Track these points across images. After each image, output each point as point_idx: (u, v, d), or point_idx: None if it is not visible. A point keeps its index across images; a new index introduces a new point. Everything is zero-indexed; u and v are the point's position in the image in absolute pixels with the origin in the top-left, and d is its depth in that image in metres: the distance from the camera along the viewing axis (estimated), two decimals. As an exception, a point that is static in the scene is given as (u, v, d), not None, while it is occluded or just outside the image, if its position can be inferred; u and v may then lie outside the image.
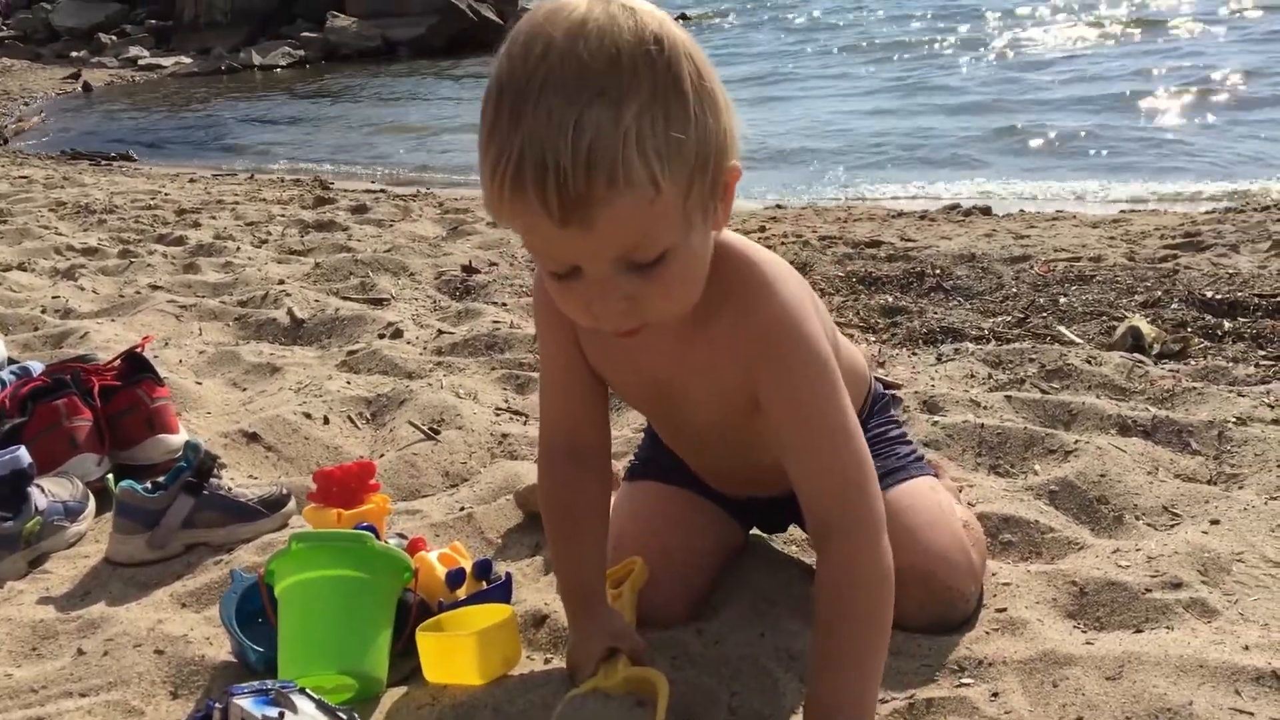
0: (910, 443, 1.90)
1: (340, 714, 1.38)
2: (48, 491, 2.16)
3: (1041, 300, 4.05)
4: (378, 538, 1.71)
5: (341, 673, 1.56)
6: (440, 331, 3.69)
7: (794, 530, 2.03)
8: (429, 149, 12.03)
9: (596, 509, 1.70)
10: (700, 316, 1.43)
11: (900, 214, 6.90)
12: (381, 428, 2.76)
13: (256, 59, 22.35)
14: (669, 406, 1.66)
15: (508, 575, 1.81)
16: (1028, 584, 1.82)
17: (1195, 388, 2.74)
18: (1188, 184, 7.84)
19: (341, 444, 2.67)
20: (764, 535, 2.02)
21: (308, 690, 1.42)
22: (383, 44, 23.39)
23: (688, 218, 1.29)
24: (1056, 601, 1.78)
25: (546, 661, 1.71)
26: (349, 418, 2.82)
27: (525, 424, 2.75)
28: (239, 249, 5.58)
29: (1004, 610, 1.74)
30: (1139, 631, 1.66)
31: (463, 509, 2.25)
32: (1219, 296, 3.91)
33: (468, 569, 1.77)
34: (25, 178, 9.09)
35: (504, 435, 2.63)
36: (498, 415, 2.80)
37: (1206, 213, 6.40)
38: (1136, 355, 3.09)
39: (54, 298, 4.36)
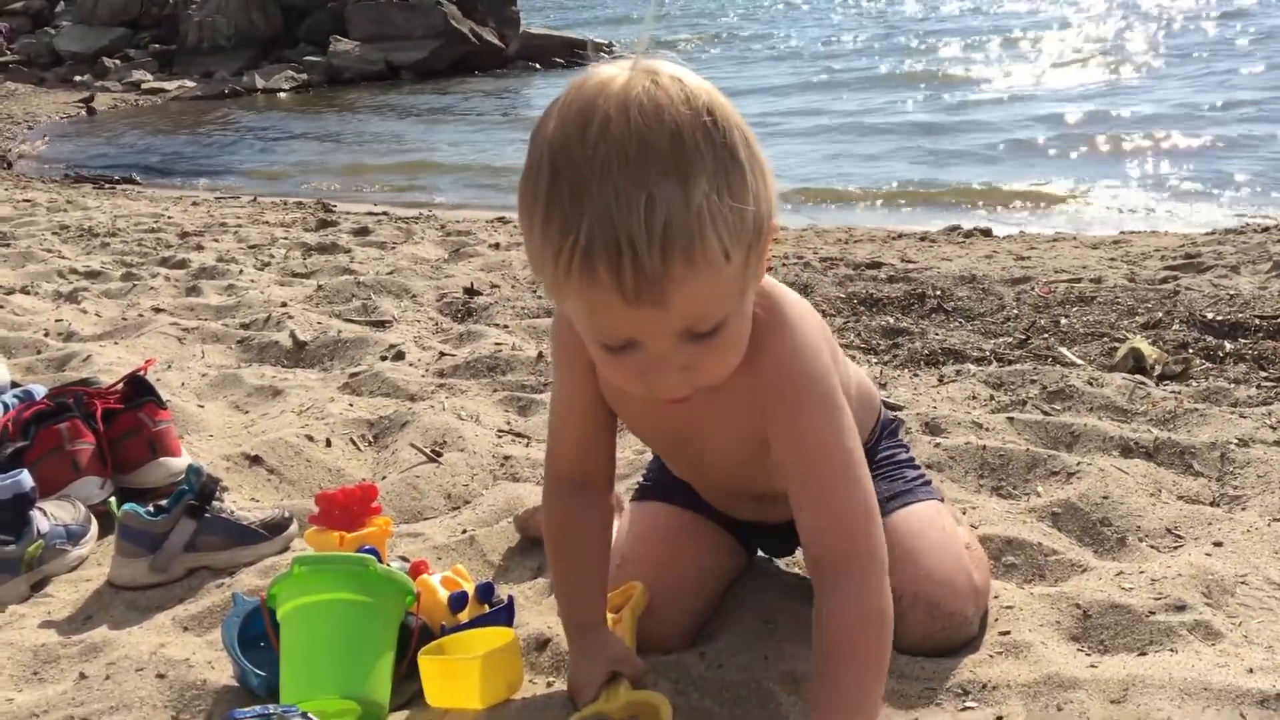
0: (918, 467, 1.91)
1: (342, 738, 1.38)
2: (50, 515, 2.16)
3: (1043, 321, 4.05)
4: (380, 561, 1.71)
5: (344, 698, 1.55)
6: (442, 354, 3.70)
7: (798, 553, 2.03)
8: (432, 172, 12.08)
9: (598, 537, 1.71)
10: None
11: (900, 235, 6.92)
12: (384, 450, 2.76)
13: (260, 82, 22.45)
14: (685, 449, 1.67)
15: (510, 599, 1.81)
16: (1031, 607, 1.81)
17: (1197, 409, 2.74)
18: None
19: (343, 466, 2.67)
20: (766, 557, 2.02)
21: (310, 715, 1.42)
22: (385, 67, 23.49)
23: (745, 285, 1.30)
24: (1060, 624, 1.77)
25: (549, 685, 1.70)
26: (351, 440, 2.82)
27: (527, 446, 2.75)
28: (241, 271, 5.60)
29: (1007, 633, 1.73)
30: (1143, 654, 1.66)
31: (465, 531, 2.25)
32: (1220, 318, 3.92)
33: (470, 592, 1.77)
34: (29, 201, 9.12)
35: (506, 457, 2.63)
36: (500, 437, 2.80)
37: (1207, 234, 6.42)
38: (1138, 377, 3.10)
39: (57, 321, 4.37)
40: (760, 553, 2.00)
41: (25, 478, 2.09)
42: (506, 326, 4.15)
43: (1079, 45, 19.20)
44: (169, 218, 8.15)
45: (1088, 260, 5.66)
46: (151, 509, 2.10)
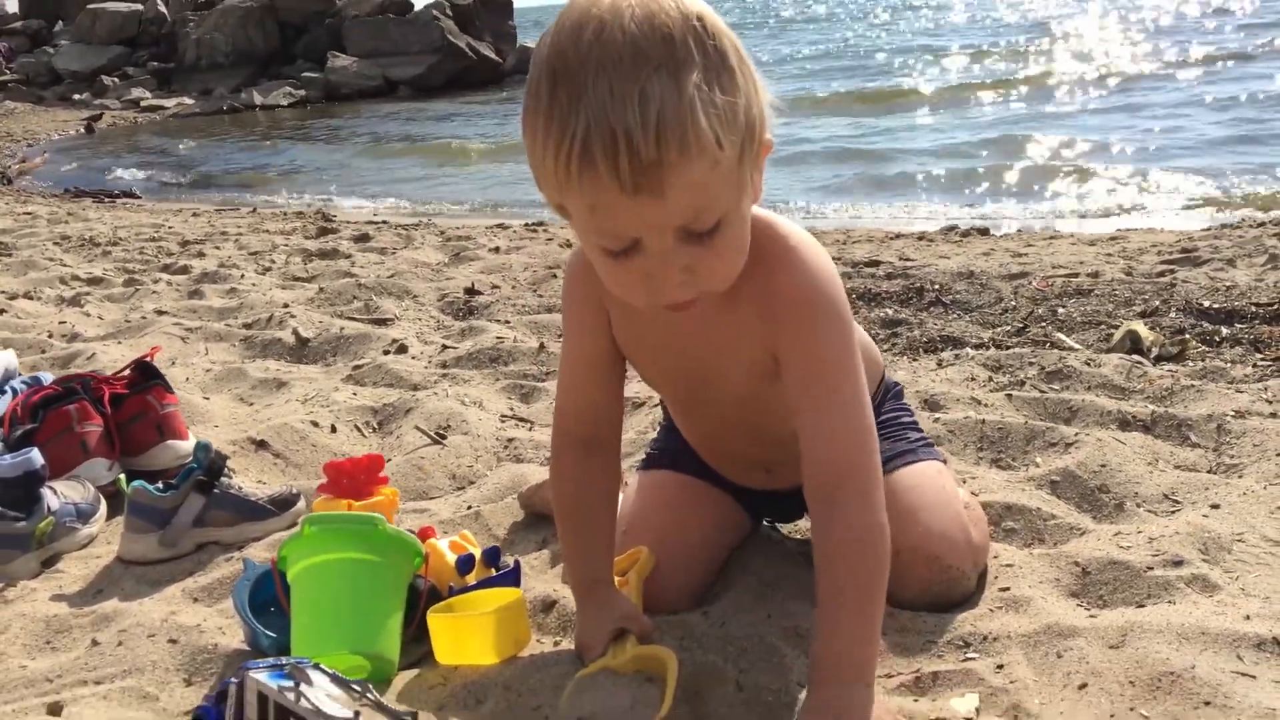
0: (920, 429, 1.94)
1: (354, 686, 1.40)
2: (60, 493, 2.18)
3: (1040, 312, 4.08)
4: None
5: (354, 654, 1.58)
6: (445, 346, 3.73)
7: (804, 522, 2.05)
8: (431, 181, 12.14)
9: (606, 497, 1.74)
10: (732, 289, 1.46)
11: (899, 235, 6.95)
12: (389, 435, 2.79)
13: (258, 99, 22.57)
14: (698, 384, 1.69)
15: (516, 562, 1.83)
16: (1030, 565, 1.84)
17: (1194, 385, 2.77)
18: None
19: (349, 451, 2.69)
20: (770, 525, 2.04)
21: (322, 666, 1.44)
22: (383, 83, 23.62)
23: (740, 184, 1.33)
24: (1059, 581, 1.80)
25: (556, 644, 1.72)
26: (356, 426, 2.84)
27: (530, 430, 2.78)
28: (243, 276, 5.63)
29: (1007, 589, 1.76)
30: (1141, 606, 1.68)
31: (470, 508, 2.27)
32: (1216, 306, 3.94)
33: (477, 556, 1.79)
34: (30, 214, 9.16)
35: (510, 439, 2.66)
36: (503, 422, 2.83)
37: (1203, 230, 6.45)
38: (1135, 357, 3.12)
39: (60, 323, 4.40)
40: (765, 521, 2.03)
41: (35, 455, 2.12)
42: (508, 322, 4.18)
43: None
44: (170, 228, 8.19)
45: (1085, 256, 5.68)
46: (161, 485, 2.13)
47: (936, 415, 2.55)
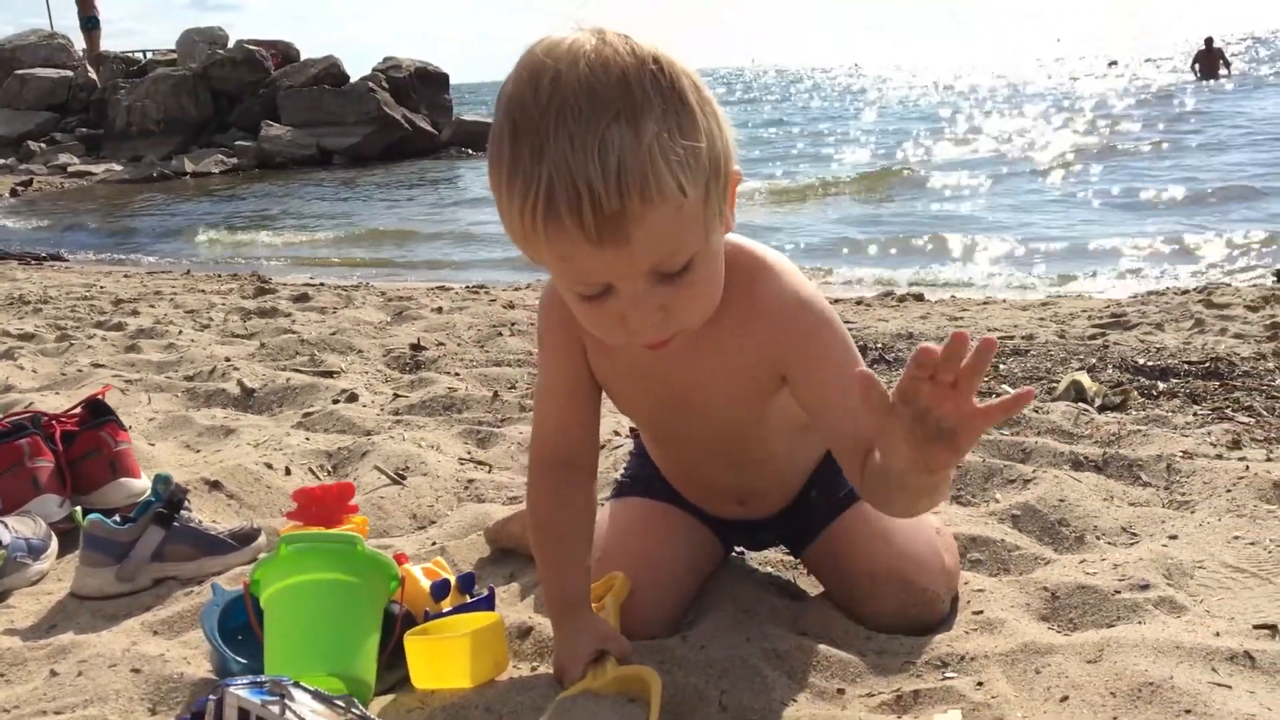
0: None
1: (338, 702, 1.37)
2: (11, 528, 2.12)
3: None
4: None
5: (331, 675, 1.54)
6: (396, 395, 3.70)
7: (770, 553, 2.06)
8: (367, 247, 12.12)
9: (583, 521, 1.73)
10: (711, 314, 1.48)
11: (836, 301, 7.07)
12: (345, 477, 2.75)
13: (189, 166, 22.40)
14: (677, 413, 1.70)
15: (491, 589, 1.82)
16: (1000, 590, 1.86)
17: (1140, 430, 2.84)
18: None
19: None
20: (741, 555, 2.05)
21: (301, 684, 1.41)
22: (317, 152, 23.59)
23: (708, 222, 1.35)
24: (1030, 606, 1.82)
25: (533, 669, 1.70)
26: (310, 469, 2.81)
27: (490, 472, 2.76)
28: (181, 332, 5.55)
29: (980, 612, 1.78)
30: (1112, 626, 1.71)
31: (434, 544, 2.25)
32: (1151, 364, 4.06)
33: (452, 582, 1.77)
34: (-46, 274, 8.96)
35: (470, 480, 2.64)
36: (462, 464, 2.81)
37: (1130, 297, 6.65)
38: (1081, 405, 3.20)
39: (-7, 375, 4.29)
40: (736, 551, 2.03)
41: (-14, 488, 2.06)
42: (458, 374, 4.16)
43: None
44: (101, 287, 8.07)
45: (1018, 320, 5.83)
46: (118, 519, 2.07)
47: (896, 456, 2.58)
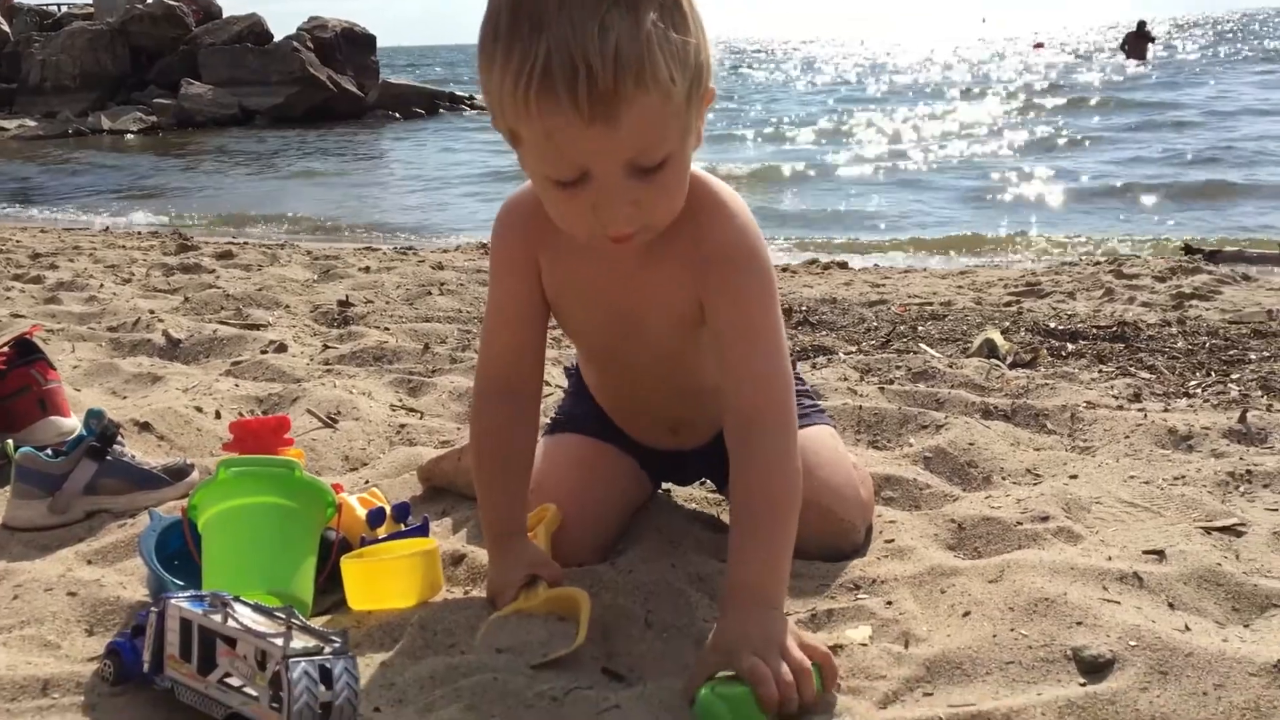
0: (813, 397, 2.06)
1: (278, 614, 1.41)
2: (-61, 462, 2.12)
3: (901, 330, 4.30)
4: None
5: (269, 594, 1.58)
6: (326, 346, 3.71)
7: (695, 490, 2.15)
8: (294, 203, 11.96)
9: (525, 449, 1.79)
10: (661, 236, 1.54)
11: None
12: (276, 420, 2.77)
13: (106, 123, 21.85)
14: (620, 334, 1.76)
15: (425, 519, 1.87)
16: (911, 522, 1.96)
17: (1047, 384, 2.98)
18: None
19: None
20: (669, 490, 2.13)
21: (241, 598, 1.45)
22: (239, 112, 23.15)
23: (687, 125, 1.42)
24: (938, 536, 1.93)
25: (466, 594, 1.76)
26: (240, 413, 2.82)
27: (421, 418, 2.80)
28: (102, 286, 5.47)
29: (892, 540, 1.88)
30: (1013, 552, 1.81)
31: (367, 483, 2.29)
32: (1061, 327, 4.23)
33: (388, 510, 1.82)
34: None
35: (401, 425, 2.68)
36: (393, 410, 2.85)
37: (1045, 267, 6.86)
38: (993, 361, 3.33)
39: (-93, 324, 4.21)
40: (664, 486, 2.11)
41: (-84, 420, 2.05)
42: (387, 329, 4.18)
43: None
44: (16, 241, 7.89)
45: (937, 287, 5.99)
46: (50, 451, 2.09)
47: (816, 403, 2.68)
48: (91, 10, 26.33)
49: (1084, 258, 7.17)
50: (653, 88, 1.32)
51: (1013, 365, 3.38)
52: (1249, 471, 2.15)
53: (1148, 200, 10.41)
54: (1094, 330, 4.16)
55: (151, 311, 4.52)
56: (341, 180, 14.60)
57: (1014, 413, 2.68)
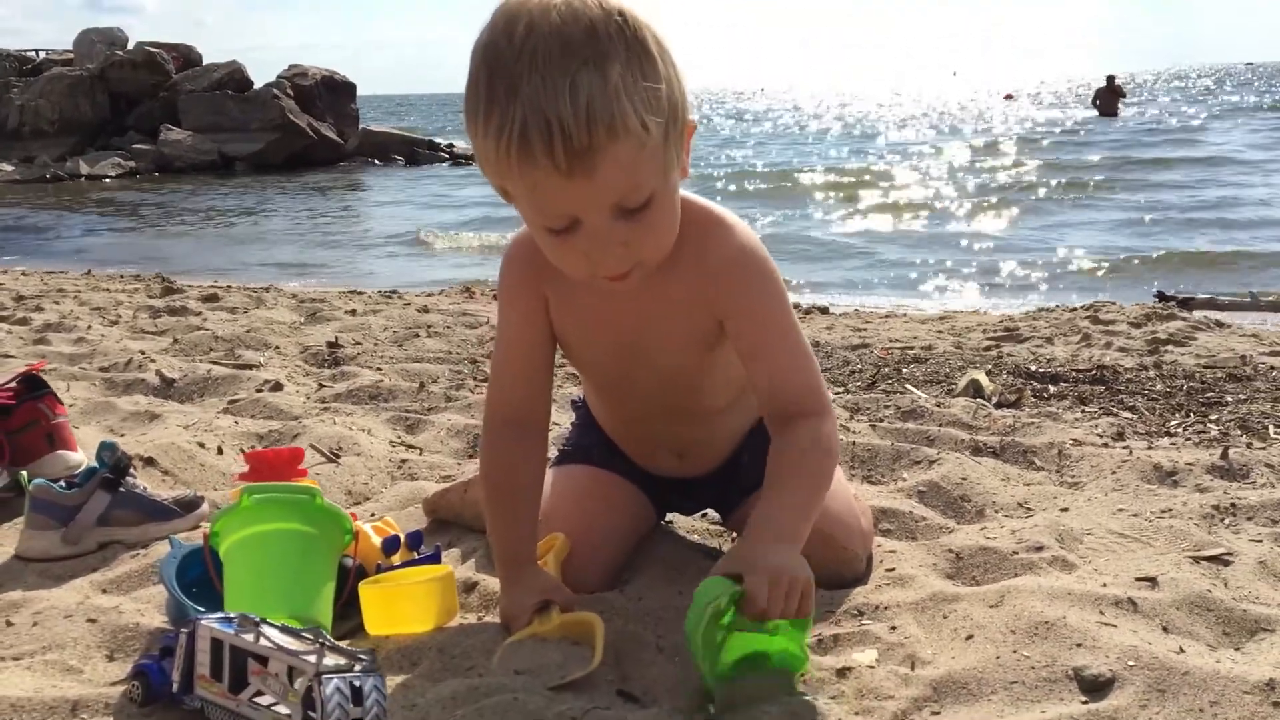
0: None
1: (305, 634, 1.45)
2: (-48, 494, 2.15)
3: (886, 371, 4.37)
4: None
5: (291, 618, 1.62)
6: (321, 385, 3.75)
7: (696, 521, 2.20)
8: (275, 254, 11.99)
9: (533, 480, 1.85)
10: (665, 264, 1.62)
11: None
12: (279, 456, 2.80)
13: (84, 168, 21.84)
14: (631, 360, 1.82)
15: (437, 548, 1.91)
16: (910, 552, 2.02)
17: (1033, 423, 3.05)
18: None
19: (238, 471, 2.70)
20: (671, 521, 2.18)
21: (270, 621, 1.49)
22: (219, 158, 23.19)
23: (667, 163, 1.49)
24: (936, 565, 1.98)
25: (479, 619, 1.80)
26: (241, 450, 2.85)
27: (421, 454, 2.84)
28: (90, 327, 5.48)
29: (892, 570, 1.93)
30: (1012, 579, 1.87)
31: (373, 515, 2.32)
32: (1042, 370, 4.31)
33: (402, 539, 1.86)
34: None
35: (402, 461, 2.72)
36: (393, 447, 2.89)
37: (1023, 313, 6.97)
38: (979, 400, 3.40)
39: (-101, 365, 4.21)
40: (668, 516, 2.16)
41: (-70, 452, 2.08)
42: (379, 369, 4.22)
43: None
44: (0, 285, 7.88)
45: (918, 332, 6.08)
46: (64, 483, 2.12)
47: (810, 440, 2.74)
48: (71, 56, 26.41)
49: (1060, 304, 7.29)
50: (624, 137, 1.39)
51: (998, 405, 3.45)
52: (1233, 505, 2.22)
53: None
54: (1074, 373, 4.24)
55: (142, 352, 4.53)
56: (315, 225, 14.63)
57: (1003, 450, 2.75)
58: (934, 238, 11.98)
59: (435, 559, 1.88)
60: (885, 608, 1.78)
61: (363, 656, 1.39)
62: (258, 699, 1.38)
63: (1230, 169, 17.81)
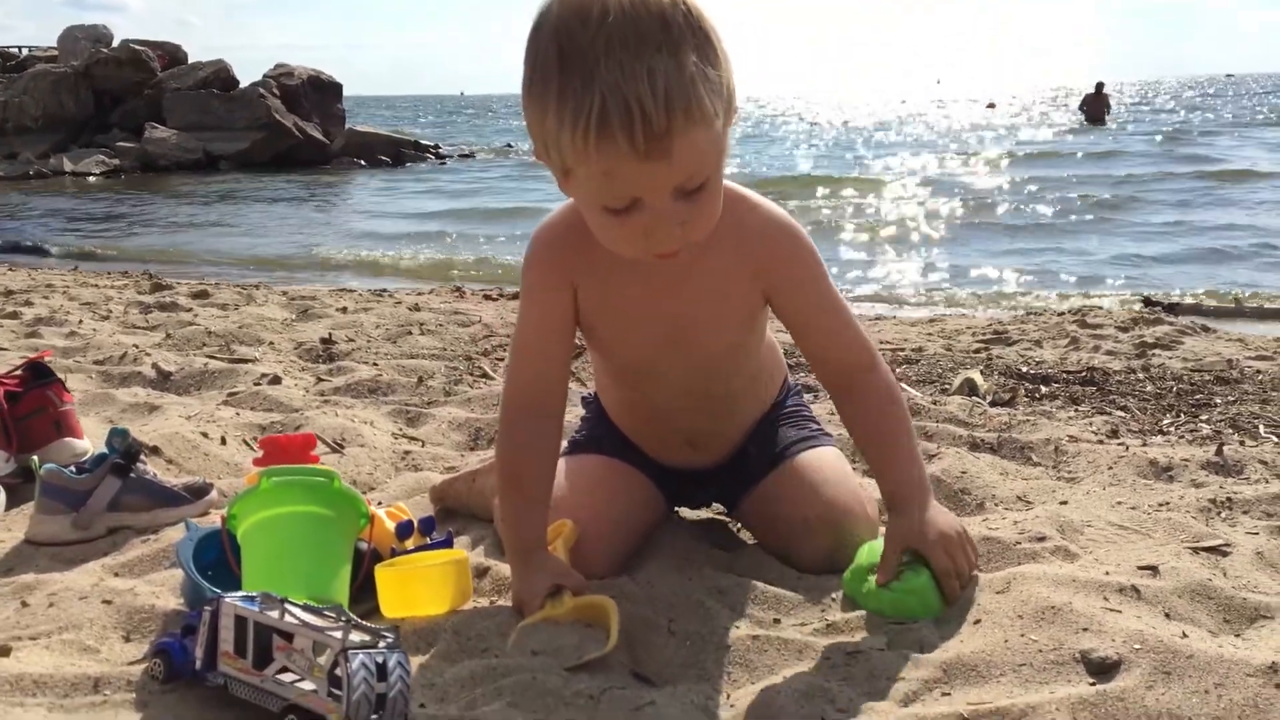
0: (818, 421, 2.17)
1: (328, 612, 1.47)
2: (-40, 479, 2.15)
3: (879, 371, 4.41)
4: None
5: (310, 599, 1.63)
6: (319, 379, 3.76)
7: (704, 514, 2.22)
8: (263, 250, 11.98)
9: (547, 466, 1.87)
10: (702, 243, 1.66)
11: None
12: (282, 447, 2.81)
13: (68, 166, 21.74)
14: (665, 349, 1.87)
15: (449, 533, 1.93)
16: (915, 542, 2.05)
17: (1029, 420, 3.09)
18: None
19: (241, 461, 2.71)
20: (678, 512, 2.20)
21: (291, 600, 1.50)
22: (204, 157, 23.11)
23: (723, 147, 1.55)
24: (941, 555, 2.01)
25: (492, 603, 1.82)
26: (244, 441, 2.86)
27: (423, 446, 2.86)
28: (81, 322, 5.47)
29: (899, 558, 1.96)
30: (1016, 567, 1.90)
31: (379, 504, 2.34)
32: (1032, 371, 4.36)
33: (415, 524, 1.88)
34: None
35: (406, 452, 2.74)
36: (396, 439, 2.90)
37: (1012, 316, 7.03)
38: (974, 398, 3.44)
39: (-107, 356, 4.20)
40: (675, 510, 2.19)
41: (-60, 437, 2.09)
42: (375, 364, 4.23)
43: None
44: (-13, 279, 7.85)
45: (908, 335, 6.12)
46: (74, 469, 2.13)
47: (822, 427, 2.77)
48: (55, 53, 26.29)
49: (1047, 309, 7.35)
50: (699, 121, 1.45)
51: (993, 403, 3.49)
52: (1229, 499, 2.26)
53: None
54: (1064, 375, 4.29)
55: (136, 346, 4.53)
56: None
57: (1000, 445, 2.78)
58: (912, 246, 12.06)
59: (448, 544, 1.91)
60: (892, 594, 1.81)
61: (386, 634, 1.41)
62: (282, 675, 1.40)
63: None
